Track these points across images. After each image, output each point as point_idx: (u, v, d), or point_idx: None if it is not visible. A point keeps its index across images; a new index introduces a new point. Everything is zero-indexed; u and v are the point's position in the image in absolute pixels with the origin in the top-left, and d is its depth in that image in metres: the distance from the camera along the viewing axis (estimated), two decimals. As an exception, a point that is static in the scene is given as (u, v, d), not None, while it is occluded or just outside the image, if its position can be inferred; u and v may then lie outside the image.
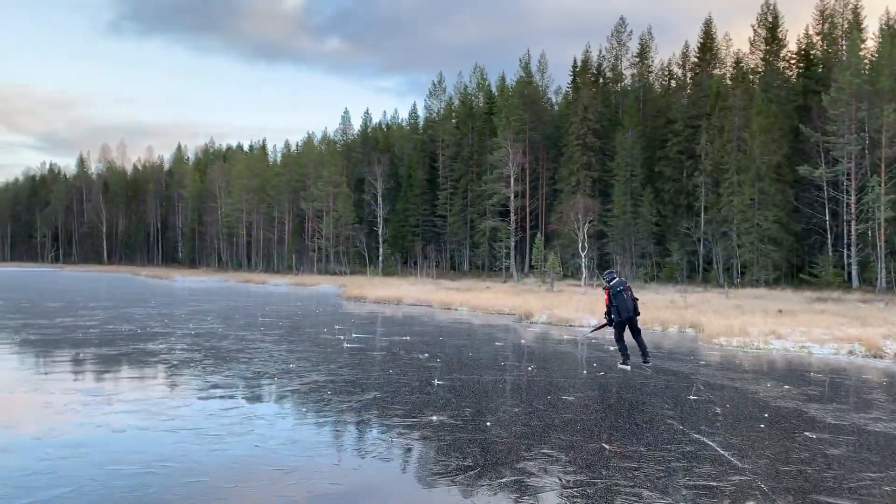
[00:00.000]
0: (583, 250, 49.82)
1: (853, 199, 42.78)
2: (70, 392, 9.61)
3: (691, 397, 10.04)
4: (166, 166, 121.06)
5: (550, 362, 13.79)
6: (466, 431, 7.72)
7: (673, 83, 65.18)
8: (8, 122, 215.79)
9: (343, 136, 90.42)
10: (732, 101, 49.57)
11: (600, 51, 68.22)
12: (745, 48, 59.78)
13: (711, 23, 59.09)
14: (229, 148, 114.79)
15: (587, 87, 61.81)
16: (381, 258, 73.04)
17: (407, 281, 51.97)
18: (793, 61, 54.88)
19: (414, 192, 74.37)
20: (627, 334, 13.03)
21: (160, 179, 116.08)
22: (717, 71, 58.79)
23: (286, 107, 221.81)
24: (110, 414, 8.28)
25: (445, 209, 71.91)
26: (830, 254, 44.68)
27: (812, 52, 53.93)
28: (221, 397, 9.48)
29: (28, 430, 7.52)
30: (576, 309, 23.98)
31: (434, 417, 8.37)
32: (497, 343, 16.88)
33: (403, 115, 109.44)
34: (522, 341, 17.58)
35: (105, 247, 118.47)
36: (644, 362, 12.92)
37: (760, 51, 54.41)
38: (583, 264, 49.52)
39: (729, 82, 54.93)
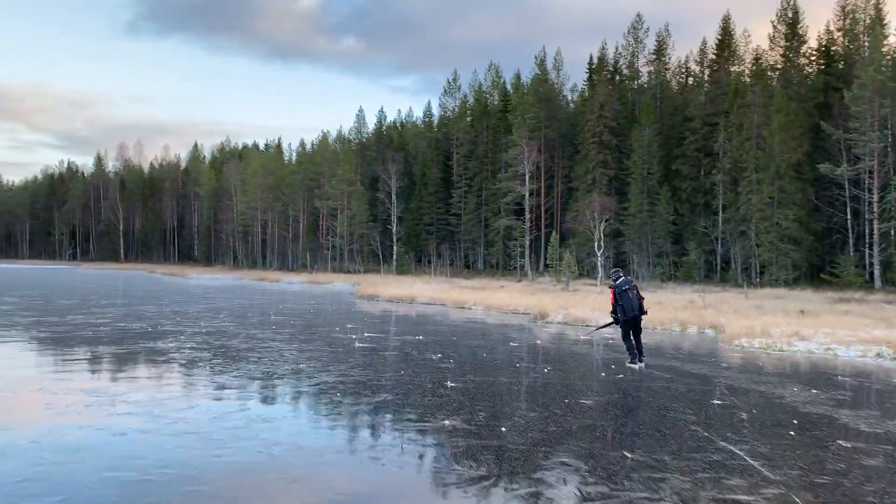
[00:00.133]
0: (599, 249, 49.26)
1: (875, 197, 41.92)
2: (73, 392, 9.36)
3: (715, 402, 9.64)
4: (183, 165, 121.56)
5: (567, 364, 13.40)
6: (480, 437, 7.38)
7: (690, 80, 64.38)
8: (28, 121, 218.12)
9: (358, 134, 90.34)
10: (751, 99, 48.79)
11: (616, 48, 67.52)
12: (765, 45, 59.04)
13: (730, 19, 58.24)
14: (245, 147, 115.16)
15: (603, 84, 61.15)
16: (394, 256, 72.80)
17: (421, 279, 51.68)
18: (813, 58, 53.93)
19: (428, 191, 74.06)
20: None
21: (176, 178, 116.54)
22: (735, 68, 57.93)
23: (302, 106, 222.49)
24: (112, 416, 8.01)
25: (460, 207, 71.52)
26: (852, 253, 43.83)
27: (833, 48, 52.97)
28: (227, 399, 9.19)
29: (26, 432, 7.25)
30: (592, 308, 23.53)
31: (447, 422, 8.03)
32: (512, 343, 16.51)
33: (418, 113, 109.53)
34: (538, 342, 17.20)
35: (122, 245, 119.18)
36: (631, 362, 12.99)
37: (780, 47, 53.51)
38: (599, 263, 48.97)
39: (748, 79, 54.12)
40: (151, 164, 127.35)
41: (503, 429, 7.76)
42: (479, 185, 70.16)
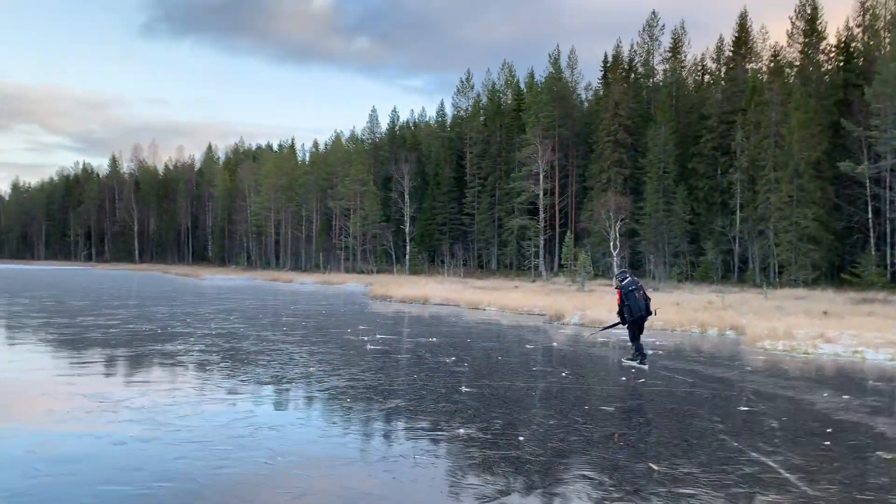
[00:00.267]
0: (614, 249, 48.66)
1: (898, 195, 41.15)
2: (75, 397, 9.07)
3: (742, 408, 9.20)
4: (197, 166, 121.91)
5: (585, 367, 12.99)
6: (497, 447, 6.99)
7: (707, 78, 63.60)
8: (45, 123, 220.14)
9: (370, 134, 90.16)
10: (769, 96, 48.03)
11: (632, 46, 66.84)
12: (782, 41, 57.93)
13: (747, 16, 57.45)
14: (259, 147, 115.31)
15: (618, 82, 60.54)
16: (407, 257, 72.51)
17: (434, 280, 51.33)
18: (832, 54, 53.05)
19: (441, 191, 73.72)
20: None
21: (191, 179, 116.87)
22: (752, 65, 57.14)
23: (315, 107, 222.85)
24: (113, 423, 7.69)
25: (473, 207, 71.12)
26: (873, 253, 43.00)
27: (853, 44, 52.08)
28: (234, 405, 8.87)
29: (21, 441, 6.94)
30: (609, 310, 22.99)
31: (462, 430, 7.65)
32: (527, 346, 16.10)
33: (431, 113, 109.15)
34: (554, 344, 16.78)
35: (137, 245, 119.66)
36: (629, 359, 13.03)
37: (798, 44, 52.63)
38: (614, 263, 48.35)
39: (765, 76, 53.32)
40: (166, 165, 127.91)
41: (521, 438, 7.37)
42: (493, 184, 69.73)
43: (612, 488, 5.80)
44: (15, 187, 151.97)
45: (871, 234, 43.62)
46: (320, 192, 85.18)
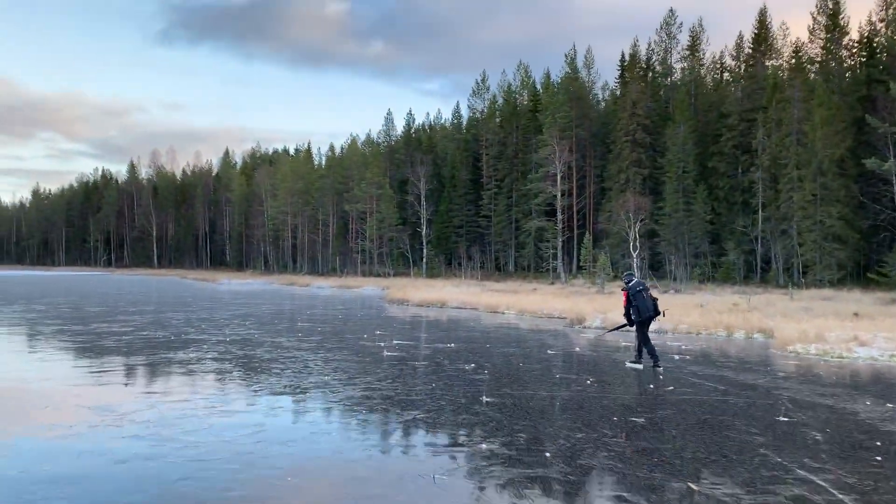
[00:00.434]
0: (634, 250, 47.94)
1: (925, 193, 40.14)
2: (80, 410, 8.71)
3: (781, 419, 8.66)
4: (214, 171, 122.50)
5: (610, 374, 12.46)
6: (522, 464, 6.52)
7: (726, 76, 62.69)
8: (65, 130, 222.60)
9: (386, 137, 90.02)
10: (791, 93, 47.15)
11: (649, 44, 66.10)
12: (803, 37, 57.04)
13: (766, 12, 56.59)
14: (275, 152, 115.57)
15: (636, 81, 59.82)
16: (424, 259, 72.13)
17: (451, 282, 50.89)
18: (855, 50, 52.06)
19: (457, 193, 73.30)
20: (632, 334, 13.15)
21: (208, 184, 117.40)
22: (772, 62, 56.21)
23: (331, 111, 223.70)
24: (117, 439, 7.31)
25: (490, 209, 70.62)
26: (901, 252, 42.01)
27: (876, 39, 51.04)
28: (243, 418, 8.46)
29: (18, 460, 6.56)
30: (631, 312, 22.45)
31: (484, 445, 7.18)
32: (549, 351, 15.59)
33: (446, 115, 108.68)
34: (576, 349, 16.25)
35: (155, 250, 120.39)
36: (632, 362, 13.06)
37: (820, 39, 51.71)
38: (634, 264, 47.62)
39: (786, 73, 52.38)
40: (183, 171, 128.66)
41: (547, 454, 6.89)
42: (510, 186, 69.22)
43: (649, 512, 5.32)
44: (35, 194, 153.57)
45: (899, 232, 42.62)
46: (336, 196, 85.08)
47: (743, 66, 58.63)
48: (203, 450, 6.90)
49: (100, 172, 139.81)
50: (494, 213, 69.99)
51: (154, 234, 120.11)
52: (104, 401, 9.37)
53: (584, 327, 21.55)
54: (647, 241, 53.06)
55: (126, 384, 10.88)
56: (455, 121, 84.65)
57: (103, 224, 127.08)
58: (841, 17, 51.06)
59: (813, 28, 52.25)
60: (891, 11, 51.21)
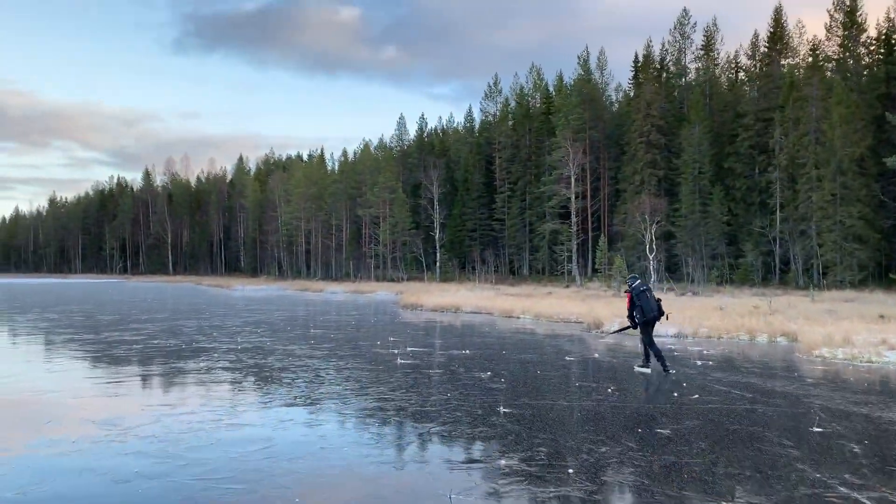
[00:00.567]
0: (650, 252, 47.36)
1: (948, 191, 39.35)
2: (84, 424, 8.43)
3: (815, 429, 8.23)
4: (228, 177, 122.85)
5: (632, 382, 12.05)
6: (544, 482, 6.15)
7: (741, 75, 61.96)
8: (81, 139, 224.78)
9: (399, 142, 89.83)
10: (808, 92, 46.45)
11: (663, 45, 65.58)
12: (820, 35, 56.26)
13: (781, 10, 55.84)
14: (289, 158, 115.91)
15: (650, 82, 59.24)
16: (438, 264, 71.80)
17: (465, 287, 50.51)
18: (873, 47, 51.24)
19: (471, 196, 72.96)
20: (636, 336, 13.10)
21: (222, 190, 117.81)
22: (789, 61, 55.49)
23: (344, 116, 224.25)
24: (120, 455, 7.01)
25: (503, 212, 70.22)
26: (923, 251, 41.26)
27: (894, 36, 50.22)
28: (251, 431, 8.15)
29: (14, 480, 6.26)
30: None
31: (503, 461, 6.81)
32: (567, 358, 15.19)
33: (459, 119, 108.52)
34: (595, 355, 15.85)
35: (170, 257, 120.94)
36: (640, 366, 13.00)
37: (838, 37, 50.96)
38: (650, 267, 47.06)
39: (803, 72, 51.64)
40: (198, 178, 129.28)
41: (570, 471, 6.51)
42: (523, 189, 68.78)
43: (682, 536, 4.93)
44: (52, 202, 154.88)
45: (921, 231, 41.81)
46: (349, 201, 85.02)
47: (759, 66, 57.88)
48: (208, 467, 6.59)
49: (115, 180, 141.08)
50: (508, 216, 69.59)
51: (169, 241, 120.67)
52: (109, 413, 9.09)
53: (602, 332, 21.11)
54: (664, 242, 52.44)
55: (133, 396, 10.60)
56: (467, 124, 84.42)
57: (119, 231, 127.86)
58: (858, 14, 50.29)
59: (830, 26, 51.52)
60: (909, 8, 50.37)
